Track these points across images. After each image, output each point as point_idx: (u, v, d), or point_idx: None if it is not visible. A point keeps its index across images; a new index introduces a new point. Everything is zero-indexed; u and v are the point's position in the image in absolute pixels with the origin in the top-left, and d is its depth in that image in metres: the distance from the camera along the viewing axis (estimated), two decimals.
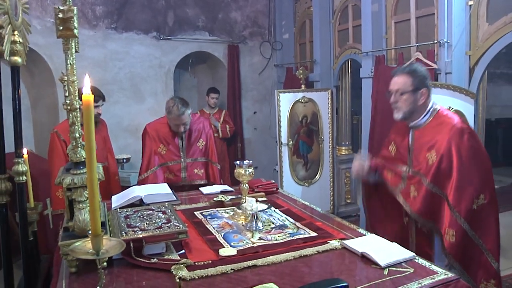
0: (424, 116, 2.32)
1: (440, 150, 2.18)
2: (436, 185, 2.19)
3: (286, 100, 5.12)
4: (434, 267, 1.66)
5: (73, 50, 1.75)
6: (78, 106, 1.64)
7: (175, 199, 2.61)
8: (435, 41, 3.56)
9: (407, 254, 1.76)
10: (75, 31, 1.61)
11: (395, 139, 2.54)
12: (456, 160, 2.14)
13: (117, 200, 2.57)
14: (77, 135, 1.64)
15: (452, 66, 3.51)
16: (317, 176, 5.36)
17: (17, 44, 2.07)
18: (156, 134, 3.42)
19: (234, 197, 2.60)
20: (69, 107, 1.60)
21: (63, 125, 3.77)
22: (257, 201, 2.31)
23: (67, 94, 1.61)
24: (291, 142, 5.16)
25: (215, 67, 6.56)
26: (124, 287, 1.60)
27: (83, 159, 1.69)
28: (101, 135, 3.91)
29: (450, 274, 1.59)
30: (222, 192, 2.82)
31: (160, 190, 2.65)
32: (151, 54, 5.65)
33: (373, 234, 2.03)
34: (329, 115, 5.27)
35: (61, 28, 1.55)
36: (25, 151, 2.52)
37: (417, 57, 3.70)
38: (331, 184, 5.41)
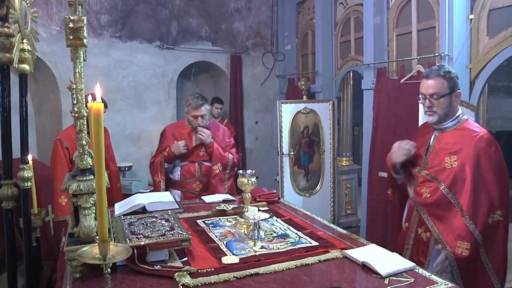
0: (453, 120, 2.27)
1: (463, 157, 2.15)
2: (451, 191, 2.16)
3: (287, 111, 5.16)
4: (434, 277, 1.67)
5: (81, 58, 1.79)
6: (86, 114, 1.67)
7: (178, 207, 2.63)
8: (436, 54, 3.61)
9: (407, 264, 1.78)
10: (85, 40, 1.65)
11: (415, 141, 2.45)
12: (479, 169, 2.11)
13: (120, 207, 2.59)
14: (84, 142, 1.67)
15: None
16: (318, 187, 5.38)
17: (26, 52, 2.12)
18: (172, 132, 3.56)
19: (236, 206, 2.62)
20: (77, 115, 1.63)
21: (66, 132, 3.81)
22: (259, 210, 2.32)
23: (75, 102, 1.64)
24: (292, 153, 5.19)
25: (217, 76, 6.62)
26: None
27: (89, 166, 1.72)
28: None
29: (450, 284, 1.61)
30: (224, 201, 2.84)
31: (163, 198, 2.67)
32: (154, 63, 5.71)
33: (374, 244, 2.05)
34: (330, 126, 5.31)
35: (71, 37, 1.59)
36: (30, 157, 2.56)
37: (418, 69, 3.75)
38: (332, 194, 5.43)
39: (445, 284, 1.61)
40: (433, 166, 2.26)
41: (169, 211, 2.24)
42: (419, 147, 2.40)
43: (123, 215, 2.33)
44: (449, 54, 3.52)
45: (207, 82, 6.82)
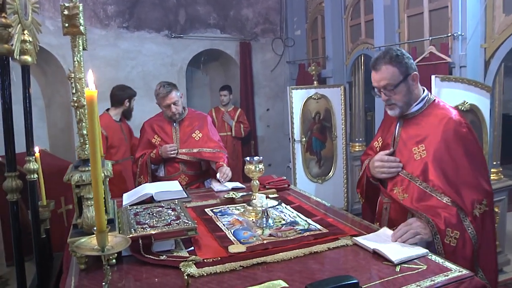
0: (418, 103, 2.05)
1: (431, 145, 1.94)
2: (429, 184, 1.91)
3: (298, 97, 5.09)
4: (448, 264, 1.61)
5: (81, 47, 1.75)
6: (85, 103, 1.64)
7: (186, 196, 2.61)
8: (449, 34, 3.50)
9: (420, 250, 1.72)
10: (82, 28, 1.60)
11: (382, 133, 2.28)
12: (451, 156, 1.90)
13: (128, 197, 2.57)
14: (85, 132, 1.64)
15: (466, 59, 3.44)
16: (331, 173, 5.32)
17: (27, 43, 2.09)
18: (151, 126, 3.46)
19: (245, 194, 2.59)
20: (76, 104, 1.60)
21: (103, 121, 3.93)
22: (267, 197, 2.28)
23: (74, 91, 1.61)
24: (304, 139, 5.13)
25: (227, 64, 6.56)
26: (133, 284, 1.60)
27: (89, 156, 1.69)
28: (126, 127, 4.27)
29: (464, 271, 1.54)
30: (234, 189, 2.80)
31: (171, 187, 2.65)
32: (163, 53, 5.67)
33: (385, 228, 1.96)
34: (342, 111, 5.21)
35: (66, 25, 1.55)
36: (36, 149, 2.55)
37: (430, 51, 3.64)
38: (345, 181, 5.36)
39: (459, 271, 1.55)
40: (402, 161, 2.03)
41: (176, 200, 2.21)
42: (387, 137, 2.19)
43: (131, 205, 2.31)
44: (463, 33, 3.41)
45: (217, 70, 6.77)
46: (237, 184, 2.90)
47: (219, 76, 6.77)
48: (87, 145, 1.67)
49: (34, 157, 2.24)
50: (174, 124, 3.40)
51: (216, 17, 6.02)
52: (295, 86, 5.23)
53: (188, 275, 1.55)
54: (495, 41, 3.37)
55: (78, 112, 1.61)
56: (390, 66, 1.96)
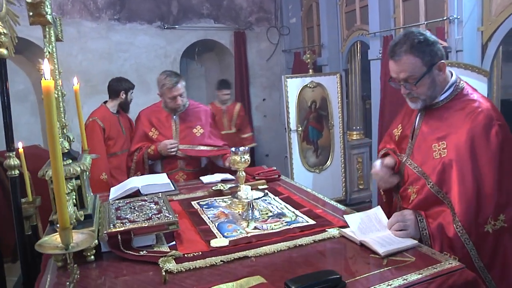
0: (445, 92, 1.77)
1: (454, 144, 1.68)
2: (442, 190, 1.69)
3: (293, 86, 5.02)
4: (437, 256, 1.54)
5: (53, 38, 1.68)
6: (56, 96, 1.57)
7: (173, 189, 2.55)
8: (445, 18, 3.40)
9: (409, 242, 1.65)
10: (48, 17, 1.53)
11: (402, 120, 2.02)
12: (474, 160, 1.63)
13: (115, 191, 2.52)
14: (58, 125, 1.58)
15: (463, 43, 3.35)
16: (328, 162, 5.26)
17: (2, 36, 2.02)
18: (148, 117, 3.23)
19: (233, 185, 2.52)
20: None
21: (101, 113, 4.06)
22: (254, 189, 2.22)
23: None
24: (300, 128, 5.07)
25: (222, 54, 6.47)
26: (113, 281, 1.55)
27: (65, 150, 1.64)
28: (125, 119, 4.26)
29: (454, 263, 1.48)
30: (223, 181, 2.74)
31: (158, 180, 2.59)
32: (156, 44, 5.59)
33: (379, 208, 1.84)
34: (339, 99, 5.14)
35: (31, 13, 1.47)
36: (20, 145, 2.50)
37: None
38: (343, 170, 5.31)
39: (448, 263, 1.48)
40: (419, 156, 1.81)
41: (160, 194, 2.15)
42: (407, 127, 1.95)
43: (117, 199, 2.26)
44: (459, 17, 3.31)
45: (212, 61, 6.68)
46: (227, 176, 2.83)
47: (215, 67, 6.68)
48: (60, 139, 1.60)
49: (14, 153, 2.18)
50: (174, 116, 3.20)
51: (209, 7, 5.92)
52: (290, 75, 5.15)
53: (166, 271, 1.50)
54: (492, 24, 3.27)
55: None
56: (412, 56, 1.68)
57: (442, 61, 1.73)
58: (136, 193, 2.44)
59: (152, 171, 3.22)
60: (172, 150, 3.06)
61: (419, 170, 1.80)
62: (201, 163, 3.28)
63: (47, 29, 1.63)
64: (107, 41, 5.22)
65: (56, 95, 1.58)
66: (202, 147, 3.17)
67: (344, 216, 1.84)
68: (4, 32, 2.04)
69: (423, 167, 1.78)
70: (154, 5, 5.51)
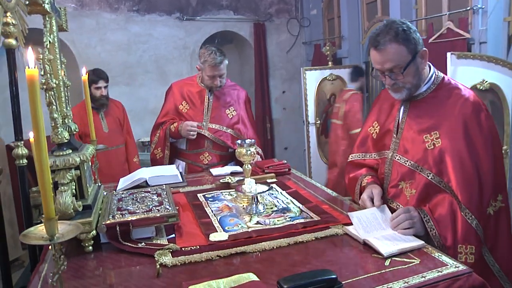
0: (426, 83, 1.76)
1: (447, 132, 1.66)
2: (443, 179, 1.65)
3: (312, 78, 4.93)
4: (444, 258, 1.46)
5: (54, 27, 1.67)
6: (54, 85, 1.56)
7: (181, 181, 2.53)
8: (468, 8, 3.24)
9: (415, 242, 1.57)
10: (47, 6, 1.52)
11: (378, 117, 1.98)
12: (470, 144, 1.62)
13: (123, 182, 2.52)
14: (55, 115, 1.57)
15: (487, 34, 3.20)
16: None
17: (11, 26, 2.03)
18: (180, 90, 3.09)
19: (241, 178, 2.48)
20: (45, 87, 1.53)
21: (75, 110, 3.63)
22: (259, 182, 2.17)
23: (42, 73, 1.53)
24: (318, 122, 4.98)
25: (241, 46, 6.42)
26: (108, 272, 1.54)
27: (65, 140, 1.63)
28: (112, 117, 3.92)
29: (461, 267, 1.39)
30: (232, 174, 2.70)
31: (166, 171, 2.58)
32: (175, 35, 5.59)
33: (385, 206, 1.78)
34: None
35: (27, 2, 1.46)
36: (31, 135, 2.52)
37: (448, 26, 3.40)
38: None
39: (455, 267, 1.40)
40: (410, 150, 1.76)
41: (164, 185, 2.13)
42: (388, 122, 1.90)
43: (124, 190, 2.26)
44: (483, 6, 3.16)
45: (232, 53, 6.63)
46: (237, 168, 2.78)
47: (235, 58, 6.63)
48: (59, 129, 1.60)
49: (22, 142, 2.21)
50: (209, 93, 3.05)
51: None
52: (309, 67, 5.07)
53: (161, 264, 1.48)
54: None
55: (47, 94, 1.54)
56: (396, 44, 1.64)
57: (424, 48, 1.72)
58: (144, 184, 2.43)
59: (175, 148, 3.13)
60: (192, 134, 2.92)
61: (411, 164, 1.75)
62: (228, 148, 3.11)
63: (47, 19, 1.61)
64: (126, 33, 5.25)
65: (54, 85, 1.57)
66: (230, 131, 3.05)
67: (348, 213, 1.77)
68: (13, 23, 2.06)
69: (416, 159, 1.74)
70: None
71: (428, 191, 1.69)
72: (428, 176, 1.69)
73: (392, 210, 1.78)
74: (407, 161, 1.77)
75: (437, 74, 1.79)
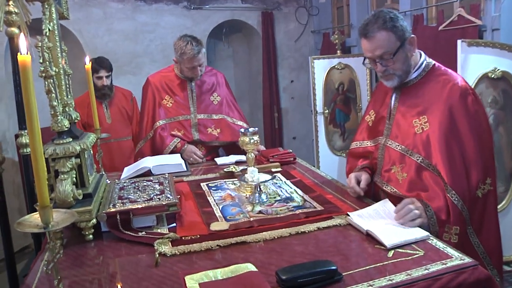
0: (416, 69, 1.82)
1: (435, 117, 1.71)
2: (432, 162, 1.70)
3: (321, 67, 4.86)
4: (449, 250, 1.42)
5: (54, 15, 1.65)
6: (53, 73, 1.55)
7: (185, 170, 2.52)
8: None
9: (419, 233, 1.54)
10: None
11: (374, 105, 2.07)
12: (455, 129, 1.68)
13: (127, 171, 2.52)
14: (55, 103, 1.56)
15: (500, 21, 3.10)
16: None
17: (13, 15, 2.02)
18: (159, 83, 2.95)
19: (245, 167, 2.46)
20: (44, 74, 1.51)
21: (80, 99, 3.66)
22: (262, 171, 2.15)
23: (41, 60, 1.51)
24: (326, 111, 4.93)
25: (250, 35, 6.35)
26: (106, 261, 1.54)
27: (65, 128, 1.62)
28: (117, 107, 3.85)
29: (466, 259, 1.36)
30: (237, 163, 2.67)
31: (171, 160, 2.56)
32: (182, 25, 5.53)
33: (387, 200, 1.77)
34: (368, 81, 4.94)
35: None
36: None
37: (459, 13, 3.31)
38: None
39: (460, 259, 1.36)
40: (400, 134, 1.83)
41: (167, 174, 2.12)
42: (381, 110, 1.97)
43: (128, 179, 2.25)
44: None
45: (240, 42, 6.58)
46: (242, 158, 2.75)
47: (243, 48, 6.58)
48: (59, 117, 1.59)
49: (26, 131, 2.20)
50: (190, 83, 2.97)
51: None
52: (317, 56, 4.99)
53: (160, 253, 1.47)
54: None
55: (46, 82, 1.53)
56: (385, 31, 1.71)
57: (412, 35, 1.77)
58: (149, 173, 2.43)
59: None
60: (191, 159, 2.83)
61: (402, 148, 1.81)
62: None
63: (46, 6, 1.60)
64: (133, 22, 5.21)
65: (53, 73, 1.56)
66: (221, 116, 3.01)
67: (348, 213, 1.73)
68: (15, 11, 2.04)
69: (406, 143, 1.80)
70: None
71: (419, 174, 1.73)
72: (417, 160, 1.74)
73: (387, 194, 1.84)
74: (398, 145, 1.83)
75: (427, 61, 1.84)
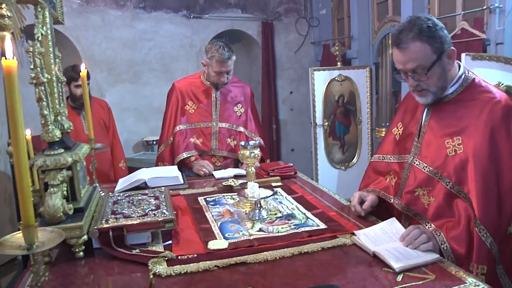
0: (453, 84, 1.62)
1: (471, 138, 1.52)
2: (463, 189, 1.52)
3: (321, 79, 4.81)
4: (462, 274, 1.33)
5: (47, 19, 1.57)
6: (45, 80, 1.47)
7: (182, 183, 2.43)
8: (485, 7, 3.11)
9: (430, 256, 1.45)
10: None
11: (403, 118, 1.87)
12: (496, 153, 1.48)
13: (122, 183, 2.42)
14: (46, 111, 1.47)
15: (504, 35, 3.06)
16: (355, 159, 5.03)
17: (5, 19, 1.94)
18: (184, 89, 2.93)
19: (244, 181, 2.37)
20: (35, 81, 1.43)
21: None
22: (263, 186, 2.06)
23: (32, 67, 1.43)
24: (326, 123, 4.87)
25: (249, 45, 6.31)
26: (97, 281, 1.44)
27: (56, 139, 1.53)
28: (95, 117, 3.52)
29: (481, 286, 1.27)
30: (236, 177, 2.59)
31: (167, 173, 2.48)
32: (181, 33, 5.48)
33: (394, 219, 1.68)
34: (368, 94, 4.89)
35: None
36: (28, 132, 2.43)
37: (462, 27, 3.26)
38: None
39: (475, 285, 1.27)
40: (429, 155, 1.65)
41: (163, 188, 2.03)
42: (411, 125, 1.79)
43: (122, 191, 2.16)
44: (501, 5, 3.01)
45: (240, 52, 6.52)
46: (240, 171, 2.67)
47: (242, 58, 6.53)
48: (49, 126, 1.50)
49: None
50: (215, 91, 2.93)
51: None
52: (317, 68, 4.95)
53: (154, 274, 1.37)
54: None
55: (37, 89, 1.44)
56: (420, 42, 1.52)
57: (452, 48, 1.58)
58: (143, 186, 2.34)
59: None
60: (201, 172, 2.76)
61: (430, 170, 1.63)
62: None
63: (39, 9, 1.52)
64: (132, 30, 5.15)
65: (45, 80, 1.47)
66: (241, 128, 2.98)
67: (354, 232, 1.64)
68: (8, 15, 1.96)
69: (435, 165, 1.61)
70: None
71: (448, 200, 1.56)
72: (447, 185, 1.57)
73: (409, 218, 1.70)
74: (426, 166, 1.65)
75: (467, 75, 1.65)
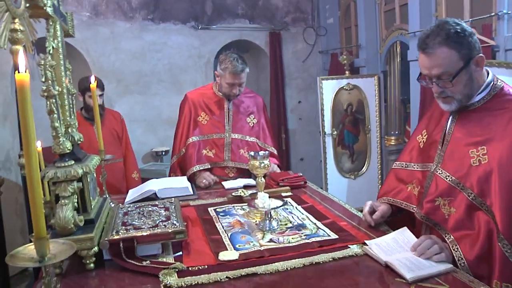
0: (481, 92, 1.57)
1: (496, 149, 1.46)
2: (485, 201, 1.46)
3: (329, 88, 4.81)
4: (477, 285, 1.31)
5: (58, 32, 1.59)
6: (56, 93, 1.48)
7: (192, 193, 2.43)
8: (493, 14, 3.09)
9: (443, 266, 1.43)
10: (49, 9, 1.44)
11: (428, 125, 1.82)
12: None
13: (132, 194, 2.43)
14: (57, 124, 1.49)
15: None
16: (364, 168, 5.01)
17: (18, 33, 1.97)
18: (197, 100, 2.93)
19: (255, 191, 2.37)
20: (46, 94, 1.45)
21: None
22: (273, 196, 2.05)
23: (43, 79, 1.45)
24: (335, 132, 4.85)
25: (257, 55, 6.34)
26: None
27: (67, 151, 1.54)
28: (108, 128, 3.58)
29: None
30: (246, 187, 2.58)
31: (176, 183, 2.48)
32: (189, 44, 5.53)
33: (406, 229, 1.66)
34: (376, 102, 4.88)
35: (27, 5, 1.39)
36: (39, 143, 2.46)
37: None
38: (379, 176, 5.02)
39: None
40: (452, 164, 1.59)
41: (173, 199, 2.03)
42: (435, 133, 1.74)
43: (132, 202, 2.17)
44: (509, 12, 3.00)
45: (248, 62, 6.50)
46: (250, 182, 2.67)
47: (251, 68, 6.49)
48: (60, 138, 1.51)
49: None
50: (228, 101, 2.92)
51: (245, 6, 5.80)
52: (325, 77, 4.95)
53: (165, 285, 1.37)
54: None
55: (48, 102, 1.46)
56: (446, 48, 1.48)
57: (481, 55, 1.52)
58: (153, 197, 2.34)
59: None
60: (202, 184, 2.73)
61: (452, 180, 1.57)
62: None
63: (50, 23, 1.54)
64: (141, 41, 5.21)
65: (56, 92, 1.49)
66: (253, 139, 2.96)
67: (366, 242, 1.62)
68: (21, 29, 1.99)
69: (458, 175, 1.55)
70: (188, 5, 5.45)
71: (469, 212, 1.50)
72: (469, 196, 1.51)
73: (429, 229, 1.66)
74: (448, 176, 1.59)
75: (495, 82, 1.59)
